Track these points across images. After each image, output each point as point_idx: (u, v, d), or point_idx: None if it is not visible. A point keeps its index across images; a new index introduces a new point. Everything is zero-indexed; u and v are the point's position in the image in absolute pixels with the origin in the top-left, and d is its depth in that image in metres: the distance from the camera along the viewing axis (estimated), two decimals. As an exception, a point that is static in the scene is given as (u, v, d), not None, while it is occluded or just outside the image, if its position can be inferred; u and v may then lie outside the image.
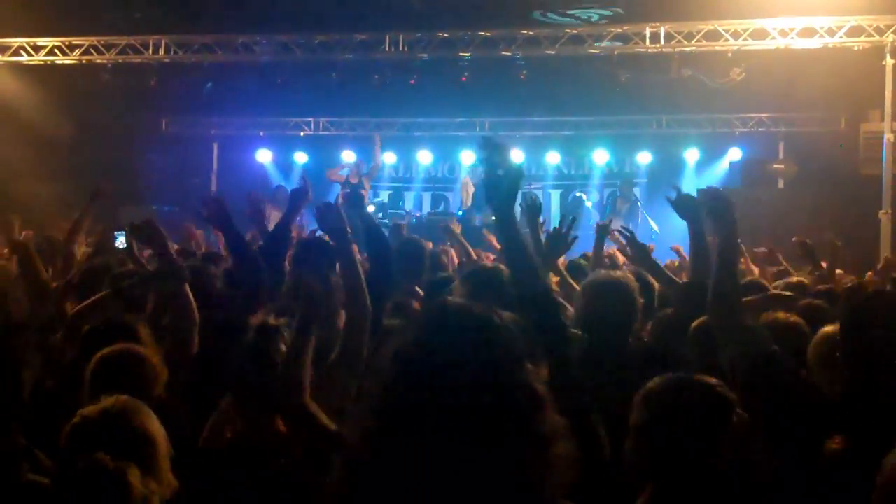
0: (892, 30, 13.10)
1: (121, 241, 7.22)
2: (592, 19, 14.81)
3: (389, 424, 1.81)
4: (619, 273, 5.00)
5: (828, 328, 4.23)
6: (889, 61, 13.04)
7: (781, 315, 4.53)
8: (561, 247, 5.79)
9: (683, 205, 4.83)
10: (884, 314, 3.15)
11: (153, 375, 3.65)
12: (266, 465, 3.40)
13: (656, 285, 5.51)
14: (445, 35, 14.76)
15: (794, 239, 9.39)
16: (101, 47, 15.43)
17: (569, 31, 14.38)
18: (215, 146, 20.66)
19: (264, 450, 3.44)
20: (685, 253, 10.05)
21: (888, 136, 13.24)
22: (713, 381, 2.99)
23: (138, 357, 3.67)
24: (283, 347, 3.50)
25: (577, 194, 19.62)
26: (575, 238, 5.83)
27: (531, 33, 14.49)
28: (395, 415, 1.81)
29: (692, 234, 4.82)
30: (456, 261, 8.84)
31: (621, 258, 8.32)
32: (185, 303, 4.36)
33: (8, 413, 2.22)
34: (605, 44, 14.35)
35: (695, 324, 4.34)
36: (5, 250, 8.15)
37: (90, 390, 3.38)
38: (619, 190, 19.09)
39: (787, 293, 6.05)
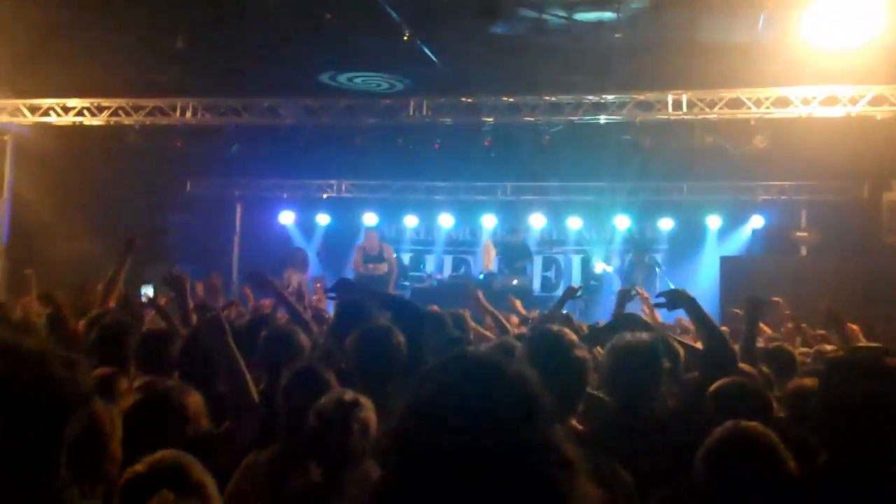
0: (914, 99, 13.13)
1: (146, 294, 7.25)
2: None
3: (401, 484, 1.69)
4: (643, 336, 5.02)
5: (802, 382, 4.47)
6: (911, 130, 13.06)
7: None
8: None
9: (672, 300, 5.06)
10: (856, 372, 3.28)
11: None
12: None
13: (681, 350, 5.52)
14: (469, 100, 14.90)
15: (821, 306, 9.40)
16: (129, 109, 15.64)
17: (591, 97, 14.48)
18: (238, 207, 20.84)
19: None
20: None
21: (910, 205, 13.20)
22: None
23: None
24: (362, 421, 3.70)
25: (598, 268, 19.51)
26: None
27: (554, 99, 14.60)
28: (405, 474, 1.69)
29: (692, 316, 4.94)
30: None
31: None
32: (231, 358, 4.26)
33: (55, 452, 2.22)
34: (626, 110, 14.43)
35: (714, 386, 4.35)
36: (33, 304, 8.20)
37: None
38: (633, 257, 19.07)
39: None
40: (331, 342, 5.64)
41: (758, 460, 3.07)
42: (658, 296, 5.21)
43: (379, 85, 15.10)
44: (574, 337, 4.25)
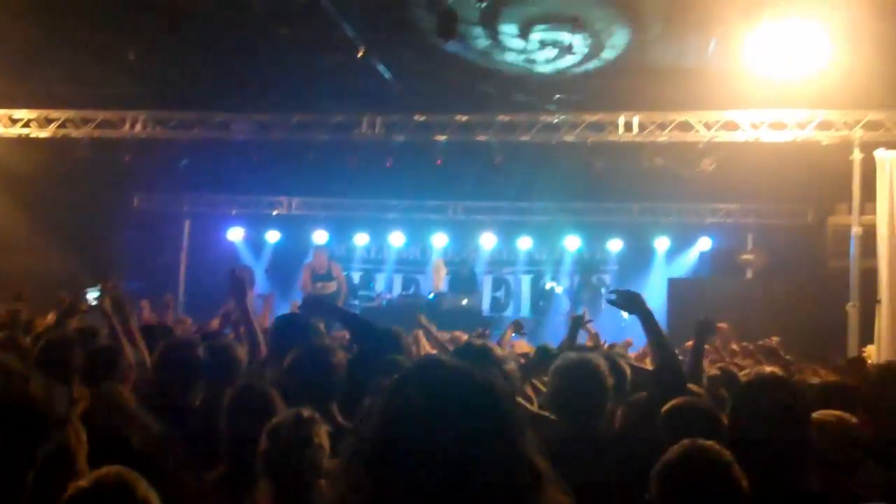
0: (860, 125, 13.36)
1: (91, 298, 7.12)
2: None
3: (367, 498, 1.64)
4: (588, 355, 5.04)
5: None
6: (857, 155, 13.27)
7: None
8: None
9: (625, 301, 4.96)
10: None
11: None
12: None
13: (627, 369, 5.56)
14: (422, 118, 14.91)
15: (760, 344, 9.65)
16: (77, 121, 15.42)
17: (544, 118, 14.56)
18: (187, 223, 20.59)
19: None
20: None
21: (856, 230, 13.41)
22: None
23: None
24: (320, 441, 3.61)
25: (548, 285, 19.70)
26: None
27: (507, 119, 14.66)
28: (373, 488, 1.63)
29: (644, 324, 4.85)
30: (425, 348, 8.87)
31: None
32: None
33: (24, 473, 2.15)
34: (578, 132, 14.53)
35: (666, 407, 4.32)
36: None
37: None
38: (580, 278, 19.17)
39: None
40: (268, 358, 5.58)
41: (712, 479, 3.07)
42: (611, 292, 5.15)
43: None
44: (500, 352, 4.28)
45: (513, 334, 9.61)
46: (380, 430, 1.67)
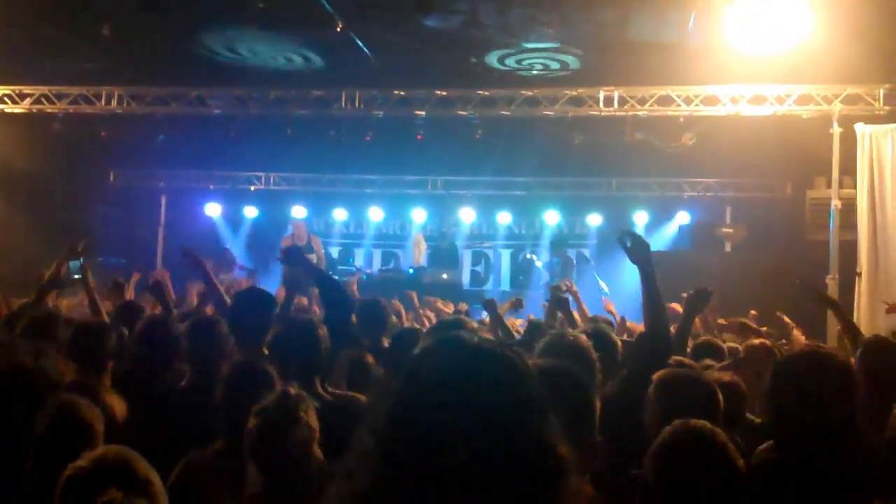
0: (839, 98, 13.39)
1: (74, 272, 7.07)
2: (543, 70, 14.92)
3: (381, 482, 1.55)
4: (571, 332, 4.97)
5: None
6: (836, 129, 13.30)
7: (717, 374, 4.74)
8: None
9: (636, 249, 4.77)
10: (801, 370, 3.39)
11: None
12: None
13: (618, 342, 5.47)
14: (401, 93, 14.82)
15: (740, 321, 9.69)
16: (52, 96, 15.23)
17: (524, 92, 14.51)
18: (164, 198, 20.43)
19: None
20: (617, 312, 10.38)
21: (835, 203, 13.47)
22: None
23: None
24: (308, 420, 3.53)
25: (528, 256, 19.73)
26: None
27: (487, 93, 14.61)
28: (388, 472, 1.55)
29: (644, 280, 4.72)
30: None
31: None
32: None
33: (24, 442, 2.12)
34: (559, 106, 14.49)
35: (661, 376, 4.17)
36: None
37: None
38: (551, 253, 19.15)
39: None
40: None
41: (708, 461, 3.06)
42: (623, 233, 4.83)
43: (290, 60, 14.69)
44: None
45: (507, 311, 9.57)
46: (395, 409, 1.60)
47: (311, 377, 4.53)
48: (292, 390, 3.59)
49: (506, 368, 1.62)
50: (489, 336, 4.07)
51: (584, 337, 4.75)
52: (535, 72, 14.50)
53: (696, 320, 9.57)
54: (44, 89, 15.18)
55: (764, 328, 9.30)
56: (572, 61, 13.99)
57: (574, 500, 1.59)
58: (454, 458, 1.50)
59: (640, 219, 19.56)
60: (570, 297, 9.23)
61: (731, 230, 18.01)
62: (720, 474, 3.02)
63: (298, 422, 3.48)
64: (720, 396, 3.98)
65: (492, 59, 13.85)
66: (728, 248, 18.07)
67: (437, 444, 1.52)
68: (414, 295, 11.16)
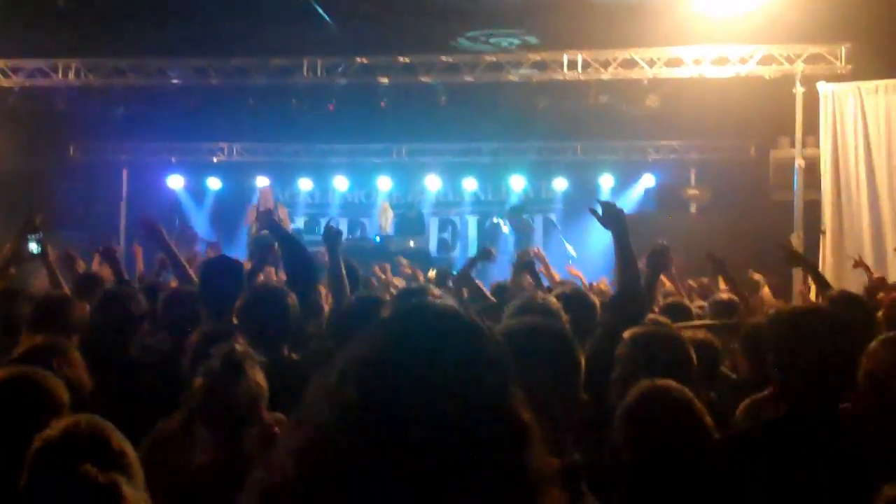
0: (801, 58, 13.42)
1: (33, 247, 6.96)
2: (509, 46, 14.88)
3: (333, 453, 1.47)
4: (540, 295, 4.95)
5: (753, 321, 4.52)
6: (799, 89, 13.34)
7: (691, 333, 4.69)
8: None
9: (609, 215, 4.75)
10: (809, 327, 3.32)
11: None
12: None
13: (596, 302, 5.38)
14: (364, 61, 14.68)
15: (707, 254, 9.67)
16: (7, 70, 14.94)
17: (488, 58, 14.43)
18: (125, 172, 20.13)
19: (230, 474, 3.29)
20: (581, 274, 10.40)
21: (799, 163, 13.55)
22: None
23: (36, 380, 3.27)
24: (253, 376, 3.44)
25: (494, 220, 19.73)
26: None
27: (450, 60, 14.51)
28: (343, 441, 1.47)
29: (618, 243, 4.68)
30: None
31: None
32: None
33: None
34: (523, 71, 14.42)
35: (631, 334, 4.08)
36: None
37: None
38: (506, 217, 19.11)
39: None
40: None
41: (676, 420, 3.06)
42: (597, 202, 4.89)
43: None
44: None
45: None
46: (354, 372, 1.53)
47: (279, 345, 4.50)
48: (238, 348, 3.51)
49: (467, 333, 1.57)
50: (451, 302, 4.01)
51: (553, 298, 4.74)
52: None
53: (667, 282, 9.66)
54: (-1, 63, 14.90)
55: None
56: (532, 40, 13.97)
57: (540, 469, 1.53)
58: (415, 426, 1.45)
59: (605, 182, 19.61)
60: (538, 262, 9.23)
61: (696, 192, 18.12)
62: (687, 434, 3.02)
63: (244, 377, 3.39)
64: (692, 353, 3.96)
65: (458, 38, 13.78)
66: (693, 209, 18.17)
67: (397, 410, 1.46)
68: (388, 267, 11.10)
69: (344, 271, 5.81)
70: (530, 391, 2.50)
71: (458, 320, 1.60)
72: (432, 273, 12.11)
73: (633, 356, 3.91)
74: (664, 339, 4.04)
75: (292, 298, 4.73)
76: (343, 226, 21.10)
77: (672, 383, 3.21)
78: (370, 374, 1.51)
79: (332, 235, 6.07)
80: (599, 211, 4.79)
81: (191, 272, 6.39)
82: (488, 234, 20.11)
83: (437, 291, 5.93)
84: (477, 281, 8.39)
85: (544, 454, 1.56)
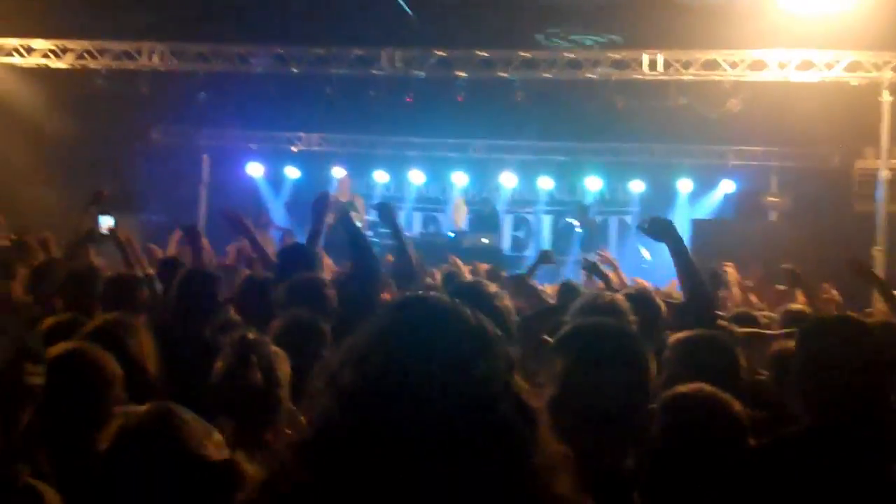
0: (889, 66, 13.08)
1: (105, 226, 7.07)
2: (590, 44, 14.75)
3: (335, 442, 1.49)
4: (608, 293, 4.90)
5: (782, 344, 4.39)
6: (886, 98, 13.01)
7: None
8: None
9: (658, 228, 4.76)
10: (833, 338, 3.24)
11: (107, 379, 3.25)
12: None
13: (662, 305, 5.32)
14: (443, 53, 14.68)
15: (782, 266, 9.47)
16: (94, 52, 15.28)
17: (567, 55, 14.32)
18: (205, 157, 20.47)
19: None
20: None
21: (883, 174, 13.20)
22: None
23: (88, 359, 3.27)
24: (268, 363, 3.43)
25: (568, 220, 19.56)
26: None
27: (529, 55, 14.43)
28: (344, 430, 1.49)
29: (674, 254, 4.66)
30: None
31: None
32: None
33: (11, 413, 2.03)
34: (602, 69, 14.27)
35: (678, 337, 4.08)
36: None
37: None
38: (576, 215, 18.89)
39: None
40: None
41: (711, 426, 2.97)
42: (643, 221, 4.94)
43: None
44: (493, 288, 4.07)
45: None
46: (353, 370, 1.54)
47: None
48: (251, 335, 3.51)
49: (466, 326, 1.59)
50: (508, 302, 3.95)
51: (621, 297, 4.67)
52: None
53: (737, 291, 9.49)
54: (86, 44, 15.23)
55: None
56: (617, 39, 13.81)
57: (547, 455, 1.53)
58: (415, 418, 1.47)
59: (683, 186, 19.32)
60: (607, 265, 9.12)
61: (776, 199, 17.74)
62: (721, 435, 2.93)
63: (256, 364, 3.39)
64: (740, 359, 3.88)
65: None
66: (774, 217, 17.81)
67: (396, 403, 1.48)
68: (457, 260, 11.02)
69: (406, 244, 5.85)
70: (593, 393, 2.45)
71: (451, 310, 1.61)
72: (484, 266, 11.92)
73: (678, 359, 3.89)
74: (710, 343, 3.98)
75: (329, 289, 4.76)
76: (417, 220, 21.19)
77: (706, 387, 3.13)
78: (367, 361, 1.53)
79: (386, 212, 6.11)
80: (646, 226, 4.81)
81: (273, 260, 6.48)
82: (562, 234, 19.97)
83: (492, 287, 5.88)
84: (533, 282, 8.30)
85: (552, 440, 1.55)
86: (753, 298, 10.01)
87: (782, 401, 3.91)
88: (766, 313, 7.96)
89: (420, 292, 1.74)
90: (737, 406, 3.02)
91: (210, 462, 2.44)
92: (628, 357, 2.55)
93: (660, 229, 4.75)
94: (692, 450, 2.91)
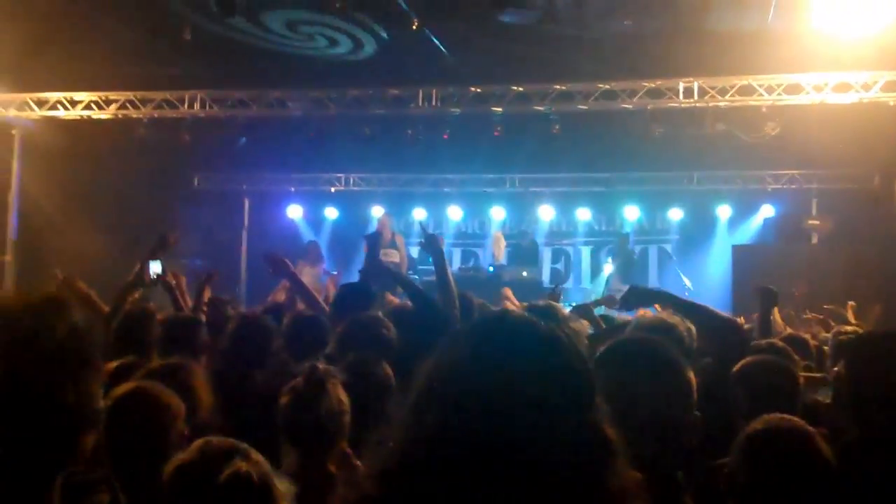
0: (928, 85, 13.01)
1: (154, 270, 7.10)
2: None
3: (418, 464, 1.50)
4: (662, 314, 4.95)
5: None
6: (925, 117, 12.94)
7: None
8: None
9: (630, 298, 4.87)
10: (884, 353, 3.25)
11: (172, 415, 3.37)
12: None
13: (692, 328, 5.37)
14: (478, 90, 14.81)
15: (825, 307, 9.50)
16: (137, 102, 15.58)
17: (601, 85, 14.37)
18: (246, 202, 20.73)
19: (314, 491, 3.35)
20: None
21: (925, 192, 13.10)
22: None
23: (153, 396, 3.40)
24: (336, 393, 3.53)
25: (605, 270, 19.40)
26: None
27: (564, 88, 14.51)
28: (424, 453, 1.50)
29: (670, 307, 4.77)
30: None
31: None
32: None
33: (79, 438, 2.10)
34: (637, 98, 14.33)
35: (741, 365, 4.23)
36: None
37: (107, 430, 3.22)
38: (616, 246, 18.83)
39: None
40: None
41: (796, 456, 3.00)
42: (622, 298, 4.94)
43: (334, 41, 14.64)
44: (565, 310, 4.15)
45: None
46: (433, 386, 1.56)
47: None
48: (320, 366, 3.63)
49: (554, 347, 1.58)
50: (579, 325, 4.02)
51: (669, 314, 4.73)
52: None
53: (778, 318, 9.46)
54: (129, 95, 15.53)
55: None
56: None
57: (622, 483, 1.54)
58: (496, 436, 1.46)
59: (723, 212, 19.28)
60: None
61: (817, 222, 17.62)
62: (809, 469, 2.96)
63: (327, 394, 3.50)
64: (800, 383, 3.96)
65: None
66: (815, 240, 17.70)
67: (476, 420, 1.48)
68: (508, 291, 11.08)
69: (451, 280, 5.85)
70: (637, 405, 2.52)
71: (543, 331, 1.60)
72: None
73: (742, 385, 4.05)
74: (773, 369, 4.16)
75: (388, 327, 4.83)
76: (456, 256, 21.26)
77: (790, 419, 3.18)
78: (449, 396, 1.51)
79: (432, 244, 6.15)
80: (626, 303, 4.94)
81: (318, 299, 6.54)
82: (601, 267, 19.89)
83: (564, 310, 5.93)
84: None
85: (627, 468, 1.55)
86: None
87: (838, 422, 3.96)
88: (823, 335, 7.96)
89: (504, 310, 1.75)
90: (821, 441, 3.06)
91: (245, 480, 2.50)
92: (662, 369, 2.62)
93: (632, 300, 4.88)
94: (780, 487, 2.95)
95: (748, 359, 4.27)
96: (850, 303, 10.25)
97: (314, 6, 12.29)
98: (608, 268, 17.30)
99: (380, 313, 5.46)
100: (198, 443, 2.68)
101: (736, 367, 4.23)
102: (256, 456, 2.61)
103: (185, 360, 4.26)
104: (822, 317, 10.04)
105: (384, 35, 13.28)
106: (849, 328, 7.15)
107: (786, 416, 3.18)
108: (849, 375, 3.33)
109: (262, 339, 5.25)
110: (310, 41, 14.17)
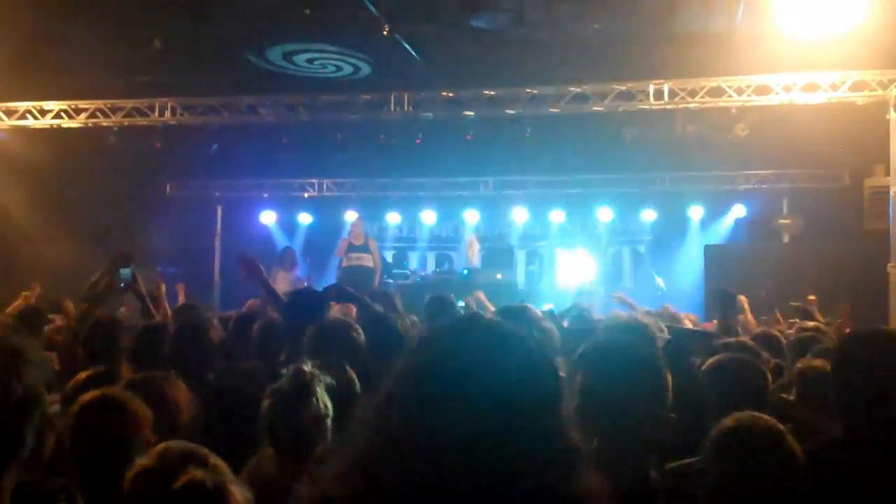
0: (895, 84, 13.13)
1: (125, 275, 7.05)
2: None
3: (380, 465, 1.50)
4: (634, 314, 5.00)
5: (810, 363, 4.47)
6: (893, 115, 13.03)
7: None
8: None
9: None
10: (870, 352, 3.27)
11: (137, 422, 3.32)
12: None
13: (665, 329, 5.46)
14: (450, 94, 14.82)
15: (791, 304, 9.60)
16: (107, 110, 15.46)
17: (573, 89, 14.41)
18: (219, 209, 20.65)
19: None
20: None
21: (894, 191, 13.21)
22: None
23: (119, 403, 3.37)
24: (319, 393, 3.51)
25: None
26: None
27: (535, 92, 14.53)
28: (387, 455, 1.49)
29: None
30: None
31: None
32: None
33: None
34: (608, 101, 14.38)
35: (711, 362, 4.32)
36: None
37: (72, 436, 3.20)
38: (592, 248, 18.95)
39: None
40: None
41: (767, 453, 3.02)
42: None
43: (339, 68, 14.83)
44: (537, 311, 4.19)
45: None
46: (398, 389, 1.55)
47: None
48: (305, 368, 3.57)
49: (522, 350, 1.57)
50: (550, 324, 4.04)
51: (643, 315, 4.77)
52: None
53: (750, 316, 9.56)
54: (98, 103, 15.41)
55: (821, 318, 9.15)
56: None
57: (587, 488, 1.54)
58: (463, 439, 1.46)
59: (695, 213, 19.40)
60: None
61: (788, 221, 17.79)
62: (783, 468, 2.98)
63: (311, 397, 3.47)
64: (769, 380, 4.01)
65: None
66: (786, 239, 17.85)
67: (445, 422, 1.47)
68: (481, 295, 11.14)
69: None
70: (614, 405, 2.55)
71: (511, 332, 1.60)
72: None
73: (712, 381, 4.11)
74: (742, 367, 4.21)
75: (358, 332, 4.82)
76: (431, 260, 21.30)
77: (761, 416, 3.20)
78: (413, 398, 1.51)
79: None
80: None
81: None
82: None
83: (537, 311, 5.96)
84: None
85: (592, 473, 1.55)
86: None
87: (805, 418, 4.01)
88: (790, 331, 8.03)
89: (474, 314, 1.75)
90: (791, 439, 3.08)
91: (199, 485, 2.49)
92: (639, 370, 2.66)
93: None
94: (751, 484, 2.97)
95: (716, 357, 4.31)
96: (810, 296, 10.37)
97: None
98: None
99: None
100: (158, 448, 2.68)
101: (705, 366, 4.28)
102: (215, 461, 2.60)
103: (162, 372, 4.27)
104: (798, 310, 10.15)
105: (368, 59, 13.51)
106: (810, 324, 7.22)
107: (755, 413, 3.19)
108: (835, 375, 3.36)
109: (199, 339, 5.28)
110: (323, 69, 14.58)
